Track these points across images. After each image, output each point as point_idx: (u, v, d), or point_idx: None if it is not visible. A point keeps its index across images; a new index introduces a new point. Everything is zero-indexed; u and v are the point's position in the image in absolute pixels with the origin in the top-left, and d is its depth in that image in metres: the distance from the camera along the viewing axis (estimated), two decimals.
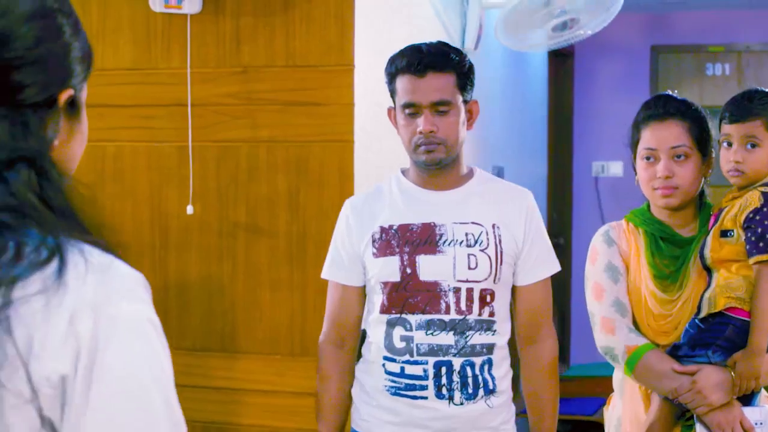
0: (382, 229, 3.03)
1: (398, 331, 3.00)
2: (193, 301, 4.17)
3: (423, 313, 2.96)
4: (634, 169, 3.17)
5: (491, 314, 2.99)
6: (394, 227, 3.02)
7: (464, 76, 3.00)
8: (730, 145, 3.00)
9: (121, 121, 4.21)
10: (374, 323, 3.06)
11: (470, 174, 3.12)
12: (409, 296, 2.98)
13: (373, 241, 3.03)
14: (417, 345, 2.97)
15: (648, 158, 3.08)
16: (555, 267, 3.13)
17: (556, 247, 7.88)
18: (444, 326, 2.95)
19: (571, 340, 8.39)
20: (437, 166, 3.01)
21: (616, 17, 4.97)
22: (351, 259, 3.08)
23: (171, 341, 4.13)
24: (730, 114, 3.01)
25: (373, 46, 4.10)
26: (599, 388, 6.22)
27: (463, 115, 3.01)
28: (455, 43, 5.14)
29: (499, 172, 6.19)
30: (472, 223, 3.01)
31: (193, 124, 4.10)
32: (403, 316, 2.98)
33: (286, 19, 4.02)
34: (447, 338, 2.95)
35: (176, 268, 4.19)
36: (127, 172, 4.23)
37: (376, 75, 3.76)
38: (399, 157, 3.35)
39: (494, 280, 2.99)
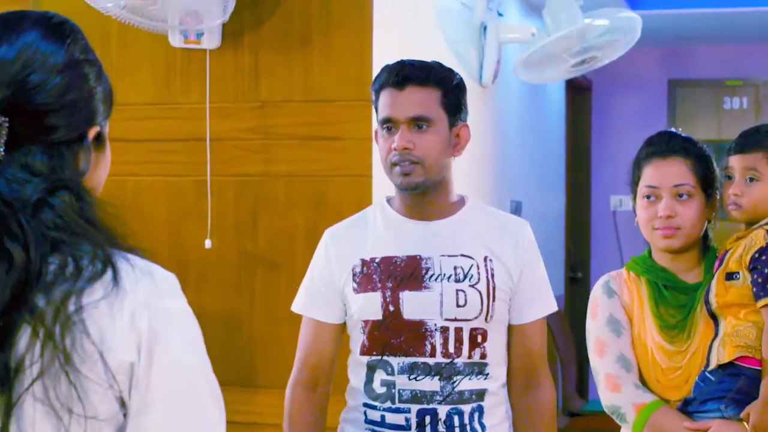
0: (364, 262, 2.76)
1: (379, 375, 2.72)
2: (212, 335, 4.16)
3: (406, 355, 2.68)
4: (634, 210, 3.00)
5: (483, 356, 2.72)
6: (377, 260, 2.75)
7: (451, 93, 2.74)
8: (730, 178, 2.90)
9: (140, 155, 4.23)
10: (354, 365, 2.81)
11: (461, 202, 2.84)
12: (391, 336, 2.70)
13: (354, 275, 2.76)
14: (399, 391, 2.69)
15: (648, 197, 2.91)
16: (551, 306, 2.87)
17: (574, 281, 7.89)
18: (429, 370, 2.68)
19: (589, 374, 8.35)
20: (416, 191, 2.73)
21: (633, 51, 4.99)
22: (329, 293, 2.81)
23: None
24: (734, 145, 2.92)
25: None
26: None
27: (446, 137, 2.73)
28: (473, 77, 5.15)
29: (517, 207, 6.19)
30: (462, 255, 2.74)
31: (211, 159, 4.11)
32: (385, 358, 2.71)
33: (304, 54, 4.04)
34: (432, 384, 2.67)
35: (194, 301, 4.15)
36: (147, 206, 4.24)
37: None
38: None
39: (486, 319, 2.71)
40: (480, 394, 2.72)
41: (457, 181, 2.96)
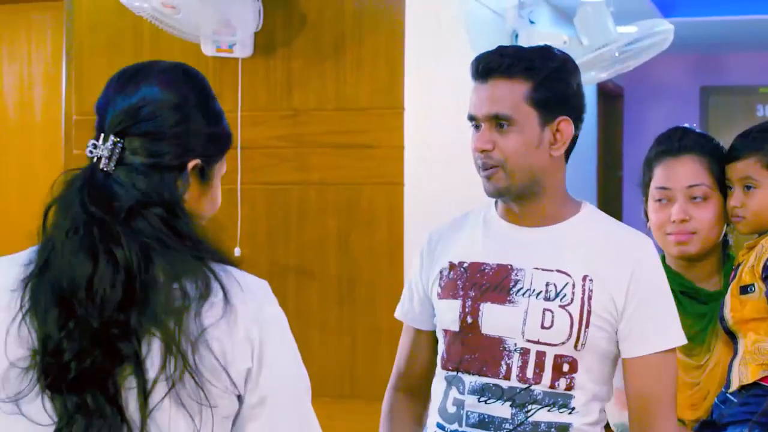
0: (452, 266, 2.47)
1: (453, 393, 2.42)
2: None
3: (478, 374, 2.38)
4: (646, 215, 2.79)
5: (569, 387, 2.34)
6: (465, 264, 2.45)
7: (543, 86, 2.37)
8: (731, 188, 2.66)
9: None
10: (436, 379, 2.52)
11: (574, 210, 2.47)
12: (466, 351, 2.40)
13: (440, 279, 2.49)
14: (467, 413, 2.38)
15: (660, 199, 2.68)
16: (675, 339, 2.39)
17: None
18: (500, 394, 2.35)
19: None
20: (504, 197, 2.42)
21: (665, 58, 4.97)
22: (422, 298, 2.56)
23: None
24: (728, 153, 2.67)
25: (423, 89, 4.11)
26: None
27: (535, 136, 2.37)
28: None
29: None
30: (558, 271, 2.37)
31: (242, 167, 4.12)
32: (459, 375, 2.41)
33: (336, 62, 4.05)
34: (502, 410, 2.34)
35: None
36: None
37: (426, 117, 3.78)
38: (449, 199, 3.34)
39: (576, 346, 2.33)
40: (561, 429, 2.34)
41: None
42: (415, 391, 2.63)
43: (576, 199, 2.50)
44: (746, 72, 8.46)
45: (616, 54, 4.90)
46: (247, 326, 1.76)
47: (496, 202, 2.50)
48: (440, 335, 2.49)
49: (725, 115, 8.44)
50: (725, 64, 8.52)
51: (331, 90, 4.06)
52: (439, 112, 4.24)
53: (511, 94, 2.35)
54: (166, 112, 1.82)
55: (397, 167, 3.96)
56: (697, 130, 2.74)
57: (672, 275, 2.62)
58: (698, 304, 2.69)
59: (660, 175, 2.69)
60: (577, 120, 2.45)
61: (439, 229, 2.60)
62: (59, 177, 1.80)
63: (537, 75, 2.36)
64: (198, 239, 1.79)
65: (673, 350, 2.38)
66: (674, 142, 2.69)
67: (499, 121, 2.36)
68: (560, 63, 2.41)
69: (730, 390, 2.52)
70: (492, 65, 2.37)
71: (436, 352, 2.53)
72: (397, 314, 2.66)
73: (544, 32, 5.54)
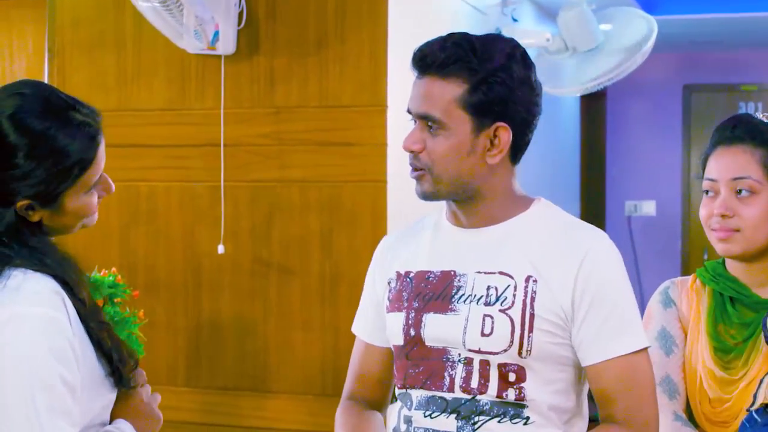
0: (399, 276, 2.29)
1: (403, 411, 2.25)
2: (225, 340, 4.17)
3: (422, 387, 2.20)
4: None
5: (520, 398, 2.13)
6: (411, 274, 2.27)
7: (481, 89, 2.12)
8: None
9: (154, 161, 4.23)
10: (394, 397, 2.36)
11: (523, 207, 2.24)
12: (411, 365, 2.22)
13: (389, 291, 2.31)
14: (414, 429, 2.20)
15: (707, 192, 2.43)
16: (633, 342, 2.15)
17: None
18: (444, 406, 2.17)
19: None
20: (433, 201, 2.23)
21: (647, 57, 4.97)
22: (376, 311, 2.37)
23: (203, 380, 4.13)
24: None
25: (406, 86, 4.10)
26: None
27: (466, 142, 2.14)
28: None
29: None
30: (500, 273, 2.16)
31: (225, 164, 4.11)
32: (407, 390, 2.23)
33: (319, 59, 4.04)
34: (447, 423, 2.16)
35: (209, 307, 4.19)
36: (161, 211, 4.24)
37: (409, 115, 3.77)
38: None
39: (520, 353, 2.12)
40: None
41: None
42: (371, 405, 2.39)
43: (528, 197, 2.27)
44: (728, 70, 8.48)
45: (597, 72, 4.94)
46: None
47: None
48: (393, 351, 2.30)
49: (707, 112, 8.45)
50: (707, 62, 8.53)
51: (314, 87, 4.05)
52: None
53: (443, 96, 2.14)
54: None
55: (380, 165, 3.96)
56: (758, 118, 2.46)
57: (725, 280, 2.44)
58: (747, 311, 2.41)
59: (710, 165, 2.44)
60: (523, 125, 2.18)
61: (390, 237, 2.44)
62: None
63: (474, 76, 2.12)
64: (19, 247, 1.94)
65: (638, 353, 2.14)
66: (726, 131, 2.43)
67: (428, 123, 2.16)
68: (504, 61, 2.14)
69: (754, 407, 2.29)
70: (428, 60, 2.15)
71: (389, 370, 2.36)
72: (353, 328, 2.46)
73: (527, 30, 5.55)
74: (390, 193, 3.97)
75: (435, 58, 2.14)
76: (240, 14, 4.06)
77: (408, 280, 2.26)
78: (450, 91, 2.13)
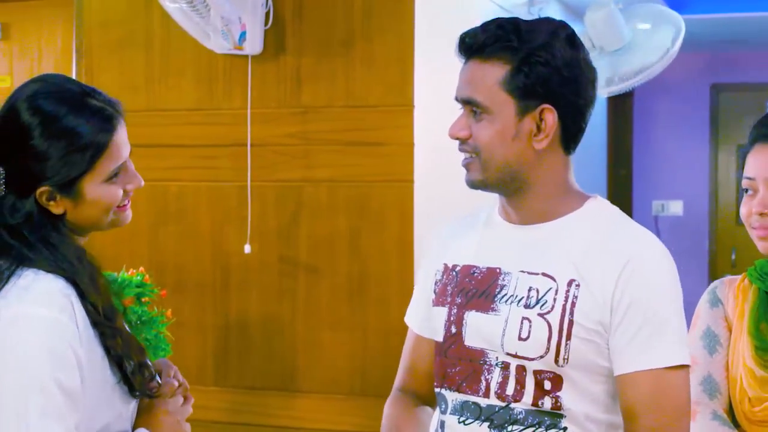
0: (446, 269, 2.20)
1: (437, 413, 2.17)
2: (254, 339, 4.18)
3: (458, 390, 2.11)
4: None
5: (556, 407, 2.01)
6: (458, 268, 2.17)
7: (524, 67, 2.03)
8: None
9: (182, 161, 4.25)
10: None
11: (576, 205, 2.13)
12: (448, 365, 2.13)
13: (435, 283, 2.22)
14: None
15: (747, 190, 2.35)
16: (671, 357, 1.98)
17: None
18: (478, 413, 2.07)
19: None
20: (482, 190, 2.14)
21: (675, 57, 4.95)
22: (426, 302, 2.26)
23: (231, 380, 4.14)
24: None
25: (433, 86, 4.10)
26: None
27: (510, 126, 2.06)
28: None
29: None
30: (543, 274, 2.05)
31: (252, 164, 4.12)
32: (442, 391, 2.15)
33: (346, 59, 4.05)
34: (481, 430, 2.07)
35: (237, 306, 4.20)
36: (189, 211, 4.26)
37: (436, 115, 3.77)
38: (460, 196, 3.30)
39: (557, 361, 2.00)
40: None
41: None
42: (420, 398, 2.30)
43: (584, 194, 2.16)
44: (756, 69, 8.43)
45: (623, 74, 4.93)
46: None
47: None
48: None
49: (736, 112, 8.41)
50: (735, 61, 8.49)
51: (340, 87, 4.06)
52: (449, 109, 4.19)
53: (485, 79, 2.06)
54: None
55: (407, 164, 3.96)
56: None
57: None
58: None
59: (749, 162, 2.35)
60: (572, 109, 2.07)
61: (444, 228, 2.32)
62: None
63: (515, 57, 2.03)
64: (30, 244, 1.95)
65: (674, 369, 1.98)
66: (764, 128, 2.35)
67: (473, 108, 2.09)
68: (546, 39, 2.04)
69: None
70: (470, 42, 2.08)
71: None
72: (406, 318, 2.35)
73: None
74: (417, 193, 3.97)
75: (476, 40, 2.07)
76: (267, 14, 4.07)
77: (454, 273, 2.16)
78: (492, 73, 2.05)
